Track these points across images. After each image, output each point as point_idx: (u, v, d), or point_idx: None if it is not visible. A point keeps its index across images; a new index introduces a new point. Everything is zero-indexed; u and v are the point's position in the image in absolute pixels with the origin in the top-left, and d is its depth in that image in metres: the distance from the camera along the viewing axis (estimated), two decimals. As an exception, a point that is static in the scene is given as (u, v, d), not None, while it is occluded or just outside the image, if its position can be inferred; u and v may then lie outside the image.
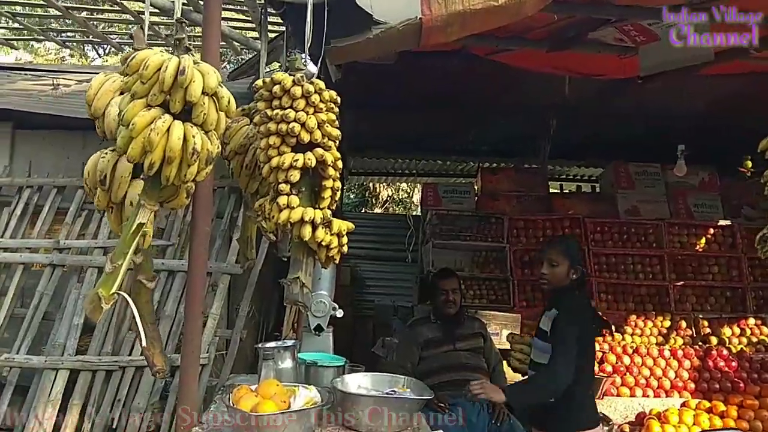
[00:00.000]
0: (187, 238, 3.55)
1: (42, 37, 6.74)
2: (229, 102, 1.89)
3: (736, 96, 4.77)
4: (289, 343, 2.63)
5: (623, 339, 4.96)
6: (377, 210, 13.30)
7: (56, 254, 3.45)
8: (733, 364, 4.48)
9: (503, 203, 5.93)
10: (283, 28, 3.33)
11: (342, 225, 2.20)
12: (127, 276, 1.93)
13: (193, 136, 1.78)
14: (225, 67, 9.17)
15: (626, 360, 4.49)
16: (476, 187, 6.22)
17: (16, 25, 7.19)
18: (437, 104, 5.63)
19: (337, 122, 2.24)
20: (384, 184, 12.35)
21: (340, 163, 2.23)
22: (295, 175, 2.12)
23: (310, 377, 2.62)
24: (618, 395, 4.31)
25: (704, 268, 5.66)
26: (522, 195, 6.02)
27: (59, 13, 4.43)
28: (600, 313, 3.78)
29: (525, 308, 5.40)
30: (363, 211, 12.87)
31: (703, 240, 5.80)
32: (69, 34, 9.68)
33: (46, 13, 5.25)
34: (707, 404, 4.08)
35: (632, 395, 4.31)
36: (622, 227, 5.80)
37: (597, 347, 4.78)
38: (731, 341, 4.97)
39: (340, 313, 3.26)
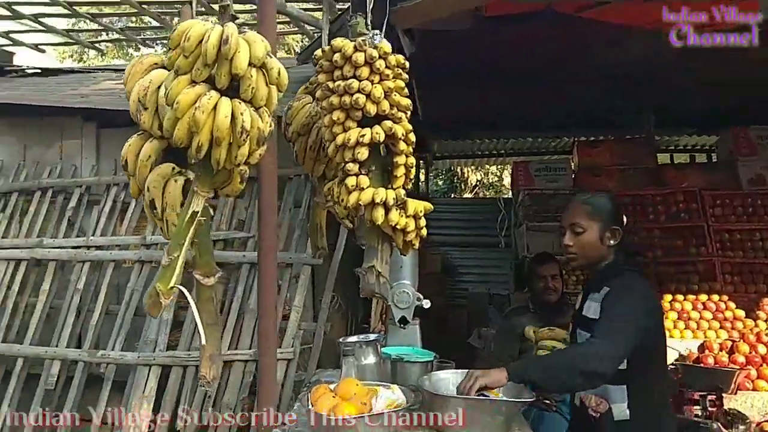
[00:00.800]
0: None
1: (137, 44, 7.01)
2: (279, 74, 1.68)
3: None
4: (372, 337, 2.42)
5: (756, 325, 4.32)
6: (466, 195, 12.89)
7: (144, 250, 3.48)
8: None
9: (605, 179, 5.41)
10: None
11: (419, 206, 1.94)
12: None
13: (242, 114, 1.60)
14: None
15: (762, 349, 3.89)
16: (573, 163, 5.72)
17: (114, 35, 7.58)
18: (522, 76, 5.20)
19: (406, 90, 1.99)
20: (472, 168, 11.93)
21: (412, 136, 1.98)
22: (362, 153, 1.90)
23: (396, 374, 2.40)
24: (754, 389, 3.74)
25: None
26: (626, 168, 5.45)
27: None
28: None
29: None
30: (452, 197, 12.52)
31: None
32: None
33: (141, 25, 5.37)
34: None
35: (772, 390, 3.72)
36: (746, 199, 5.10)
37: (724, 335, 4.23)
38: None
39: (426, 304, 3.01)
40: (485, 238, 8.29)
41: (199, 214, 1.68)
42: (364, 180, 1.91)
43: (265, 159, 2.00)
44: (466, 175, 12.84)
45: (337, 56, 1.91)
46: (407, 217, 1.91)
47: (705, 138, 7.06)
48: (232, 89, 1.65)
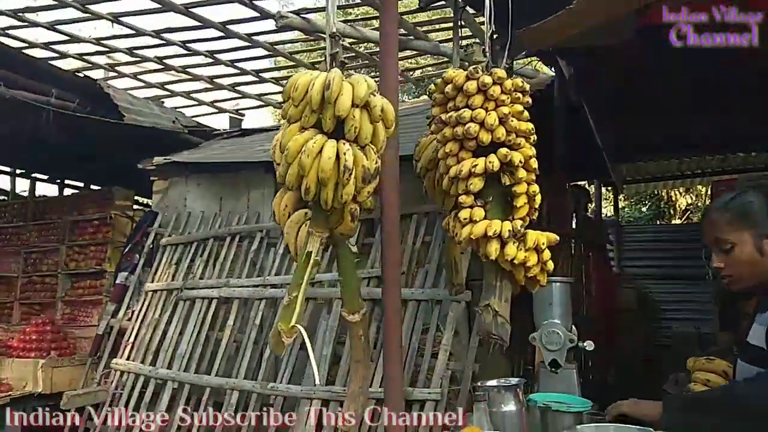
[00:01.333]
0: (416, 266, 3.48)
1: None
2: (382, 110, 1.69)
3: None
4: (514, 381, 2.23)
5: None
6: (676, 221, 11.50)
7: (309, 288, 3.71)
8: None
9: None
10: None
11: (540, 237, 1.78)
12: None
13: (344, 153, 1.63)
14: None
15: None
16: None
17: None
18: (717, 87, 4.53)
19: (526, 114, 1.85)
20: (681, 190, 10.66)
21: (534, 163, 1.83)
22: (476, 184, 1.81)
23: (546, 425, 2.18)
24: None
25: None
26: None
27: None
28: None
29: None
30: (657, 223, 11.29)
31: None
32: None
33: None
34: None
35: None
36: None
37: None
38: None
39: (590, 346, 2.73)
40: (690, 270, 7.27)
41: (314, 254, 1.74)
42: (478, 212, 1.81)
43: (386, 195, 2.01)
44: (675, 199, 11.50)
45: (448, 88, 1.87)
46: (527, 250, 1.75)
47: None
48: (338, 131, 1.70)
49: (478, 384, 2.24)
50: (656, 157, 6.83)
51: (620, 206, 12.87)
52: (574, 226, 4.82)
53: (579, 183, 5.59)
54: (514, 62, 5.20)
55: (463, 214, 1.82)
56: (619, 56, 3.96)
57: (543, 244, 1.78)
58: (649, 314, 7.44)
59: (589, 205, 5.49)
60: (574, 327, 2.72)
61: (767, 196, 1.64)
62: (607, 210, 10.06)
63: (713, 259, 1.66)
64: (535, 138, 1.88)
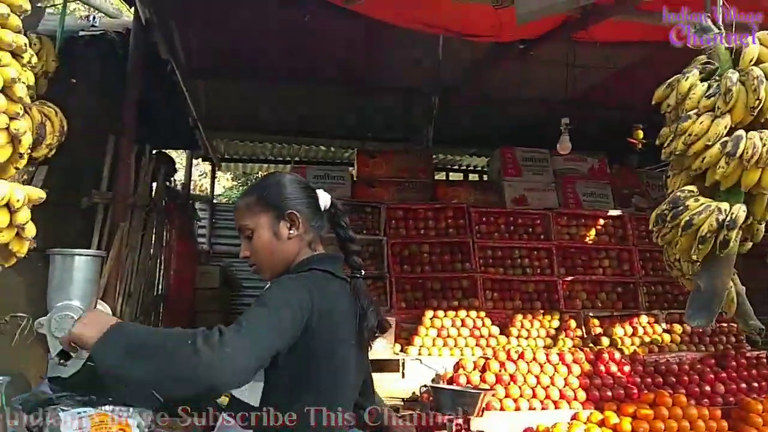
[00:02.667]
0: None
1: None
2: None
3: (633, 67, 4.31)
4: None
5: (508, 342, 4.38)
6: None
7: None
8: (626, 368, 4.01)
9: (381, 191, 5.23)
10: None
11: (16, 192, 1.31)
12: None
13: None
14: None
15: (510, 367, 3.88)
16: (353, 174, 5.47)
17: None
18: (302, 75, 4.81)
19: (16, 21, 1.35)
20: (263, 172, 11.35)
21: (20, 90, 1.33)
22: None
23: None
24: (501, 409, 3.69)
25: (594, 262, 5.25)
26: (403, 182, 5.34)
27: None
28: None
29: (404, 310, 4.70)
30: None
31: (593, 231, 5.39)
32: None
33: None
34: (599, 416, 3.54)
35: (517, 409, 3.69)
36: (509, 218, 5.27)
37: (479, 353, 4.18)
38: (623, 342, 4.53)
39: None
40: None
41: None
42: None
43: None
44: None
45: None
46: (-9, 206, 1.26)
47: (478, 159, 7.40)
48: None
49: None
50: (252, 138, 6.98)
51: (230, 186, 13.05)
52: (151, 195, 4.40)
53: (165, 151, 5.18)
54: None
55: None
56: (200, 8, 3.73)
57: (17, 201, 1.31)
58: (232, 292, 7.64)
59: (174, 175, 5.14)
60: (108, 308, 2.32)
61: (290, 179, 1.60)
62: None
63: (241, 248, 1.53)
64: (34, 60, 1.40)
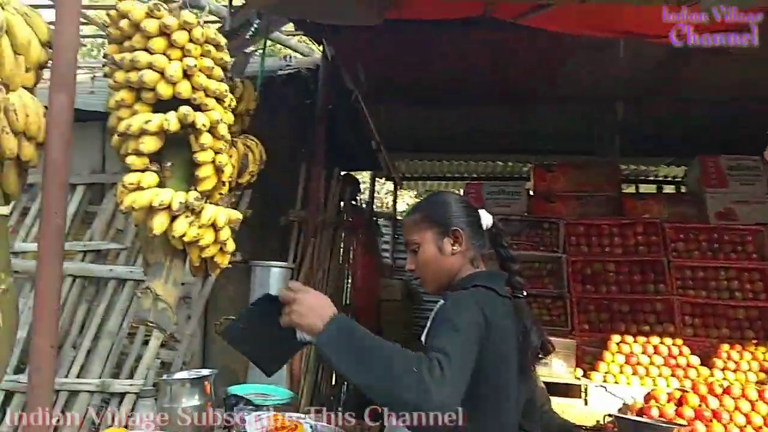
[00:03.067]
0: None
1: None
2: (2, 29, 1.30)
3: None
4: (205, 372, 2.00)
5: (711, 375, 3.87)
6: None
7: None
8: None
9: (560, 206, 5.01)
10: None
11: (219, 214, 1.55)
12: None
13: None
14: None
15: (713, 402, 3.43)
16: (529, 189, 5.34)
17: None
18: (477, 93, 4.85)
19: (218, 72, 1.61)
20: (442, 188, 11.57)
21: (223, 129, 1.60)
22: (148, 144, 1.51)
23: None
24: (701, 449, 3.29)
25: (823, 286, 4.41)
26: (584, 196, 5.06)
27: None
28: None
29: (586, 332, 4.44)
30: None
31: (823, 250, 4.54)
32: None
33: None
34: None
35: (720, 451, 3.26)
36: (713, 234, 4.68)
37: (675, 384, 3.75)
38: None
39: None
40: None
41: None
42: (149, 178, 1.52)
43: (52, 151, 1.61)
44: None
45: (124, 23, 1.54)
46: (200, 227, 1.51)
47: (676, 169, 6.69)
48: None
49: (163, 377, 1.96)
50: (429, 157, 7.22)
51: (413, 203, 13.61)
52: (339, 214, 4.79)
53: (351, 173, 5.60)
54: (287, 36, 5.06)
55: (130, 178, 1.51)
56: (377, 44, 3.98)
57: (221, 223, 1.55)
58: (413, 304, 7.91)
59: (359, 195, 5.53)
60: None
61: (454, 198, 1.66)
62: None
63: (407, 261, 1.62)
64: (233, 103, 1.65)
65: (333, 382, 4.76)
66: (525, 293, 1.58)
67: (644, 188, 7.14)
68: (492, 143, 6.42)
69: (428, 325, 1.44)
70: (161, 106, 1.53)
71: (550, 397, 3.03)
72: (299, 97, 4.09)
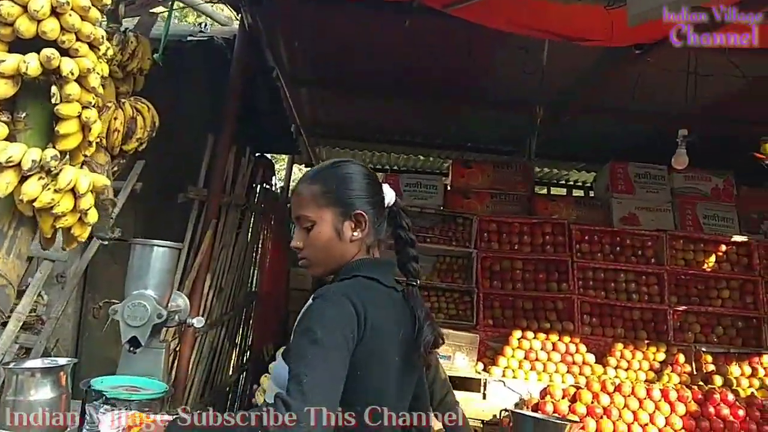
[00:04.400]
0: None
1: None
2: None
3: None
4: (62, 361, 1.77)
5: (605, 372, 4.02)
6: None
7: None
8: (740, 412, 3.53)
9: (475, 202, 5.05)
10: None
11: (81, 178, 1.35)
12: None
13: None
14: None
15: (605, 399, 3.55)
16: (447, 183, 5.34)
17: None
18: (396, 84, 4.77)
19: (95, 13, 1.40)
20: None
21: (95, 80, 1.39)
22: (7, 89, 1.28)
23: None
24: (591, 444, 3.39)
25: (712, 292, 4.71)
26: (499, 193, 5.12)
27: None
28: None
29: (490, 327, 4.49)
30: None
31: (713, 258, 4.84)
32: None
33: None
34: (703, 465, 3.15)
35: (609, 447, 3.38)
36: (615, 237, 4.87)
37: (570, 381, 3.85)
38: (739, 383, 4.01)
39: (199, 323, 2.43)
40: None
41: None
42: (-4, 129, 1.29)
43: None
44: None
45: (-25, -58, 1.29)
46: (57, 191, 1.30)
47: (586, 174, 6.96)
48: None
49: (10, 366, 1.71)
50: (352, 146, 7.08)
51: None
52: (248, 196, 4.56)
53: (267, 155, 5.37)
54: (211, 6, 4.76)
55: (-30, 129, 1.27)
56: (300, 20, 3.80)
57: (83, 188, 1.34)
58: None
59: (274, 178, 5.31)
60: (186, 301, 2.39)
61: (361, 172, 1.44)
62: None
63: (294, 237, 1.42)
64: (110, 53, 1.45)
65: (230, 372, 4.54)
66: (418, 281, 1.46)
67: (555, 190, 7.38)
68: (414, 136, 6.39)
69: (294, 328, 1.30)
70: (20, 45, 1.31)
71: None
72: (213, 68, 3.83)
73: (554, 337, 4.16)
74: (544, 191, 7.14)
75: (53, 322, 2.34)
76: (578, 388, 3.70)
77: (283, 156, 8.13)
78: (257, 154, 4.96)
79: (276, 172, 5.47)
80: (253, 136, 4.62)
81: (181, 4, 4.56)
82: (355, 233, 1.37)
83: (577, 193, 7.26)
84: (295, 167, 7.63)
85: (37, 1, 1.27)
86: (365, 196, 1.40)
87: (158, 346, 2.12)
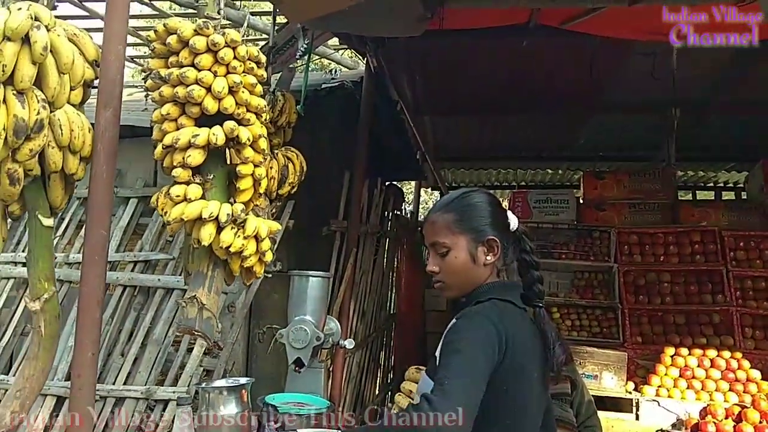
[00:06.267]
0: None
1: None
2: (52, 49, 1.39)
3: None
4: (243, 381, 2.05)
5: (775, 390, 3.67)
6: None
7: (66, 269, 3.25)
8: None
9: (611, 213, 4.87)
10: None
11: (261, 225, 1.60)
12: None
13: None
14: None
15: (777, 421, 3.26)
16: (579, 197, 5.22)
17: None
18: (518, 102, 4.79)
19: (259, 88, 1.67)
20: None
21: (263, 143, 1.65)
22: (195, 157, 1.58)
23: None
24: (763, 469, 3.13)
25: None
26: (637, 203, 4.90)
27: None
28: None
29: (639, 345, 4.29)
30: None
31: None
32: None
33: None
34: None
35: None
36: (775, 242, 4.45)
37: (733, 399, 3.53)
38: None
39: (350, 344, 2.64)
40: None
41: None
42: (194, 190, 1.58)
43: (97, 163, 1.70)
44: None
45: (172, 39, 1.61)
46: (245, 238, 1.56)
47: (737, 174, 6.38)
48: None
49: (202, 385, 2.02)
50: (476, 166, 7.16)
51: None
52: (382, 223, 4.82)
53: (396, 183, 5.63)
54: (335, 50, 5.15)
55: (176, 190, 1.58)
56: (421, 55, 3.99)
57: (263, 234, 1.60)
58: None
59: (404, 204, 5.54)
60: (338, 324, 2.62)
61: (490, 200, 1.54)
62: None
63: (429, 262, 1.53)
64: (269, 117, 1.71)
65: (377, 391, 4.77)
66: (543, 303, 1.52)
67: (702, 195, 6.86)
68: (540, 151, 6.33)
69: (440, 343, 1.39)
70: (204, 120, 1.60)
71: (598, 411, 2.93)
72: (344, 109, 4.16)
73: (712, 353, 3.88)
74: (689, 197, 6.66)
75: (229, 347, 2.69)
76: (743, 407, 3.43)
77: (411, 182, 8.40)
78: (387, 183, 5.23)
79: (405, 198, 5.69)
80: (382, 166, 4.88)
81: (316, 57, 4.97)
82: (488, 257, 1.46)
83: (727, 195, 6.67)
84: (423, 191, 7.84)
85: (218, 82, 1.56)
86: (494, 223, 1.49)
87: (317, 366, 2.37)
